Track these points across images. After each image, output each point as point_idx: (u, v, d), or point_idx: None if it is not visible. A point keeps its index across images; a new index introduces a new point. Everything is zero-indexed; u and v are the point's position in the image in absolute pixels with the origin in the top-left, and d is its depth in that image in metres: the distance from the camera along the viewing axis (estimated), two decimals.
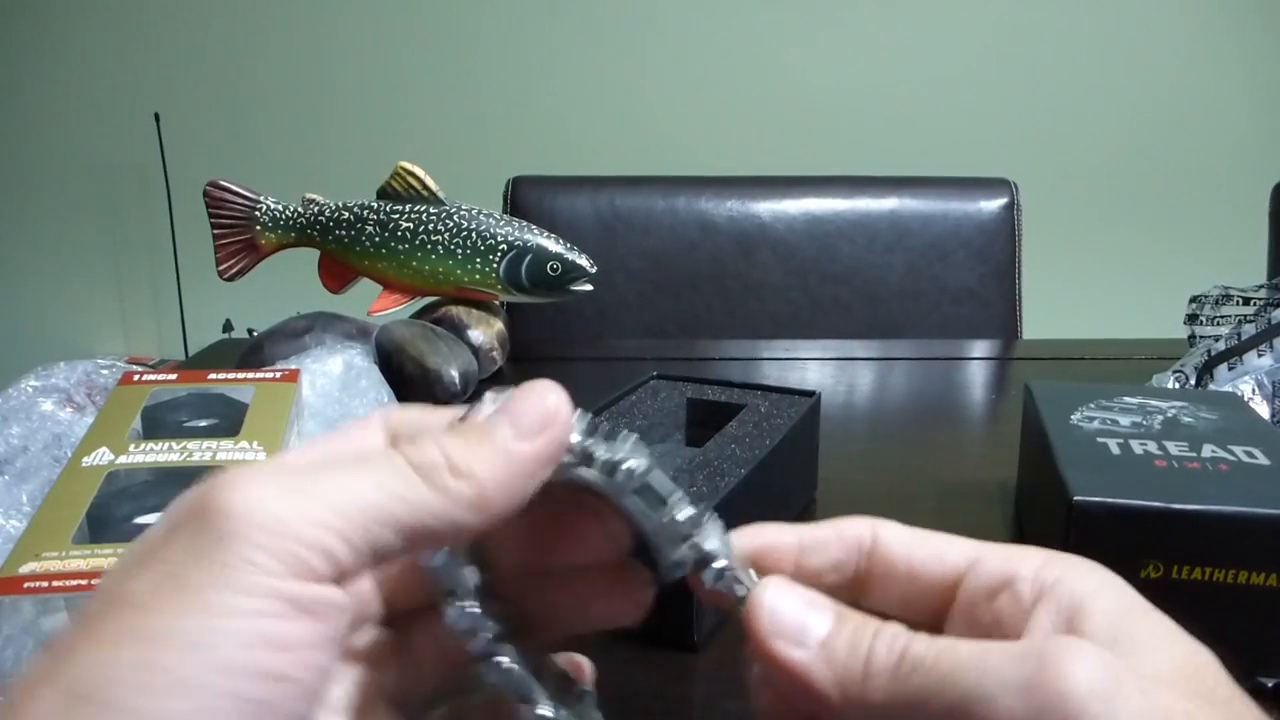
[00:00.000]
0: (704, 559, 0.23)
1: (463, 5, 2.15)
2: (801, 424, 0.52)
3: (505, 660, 0.23)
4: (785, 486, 0.53)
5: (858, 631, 0.22)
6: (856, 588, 0.25)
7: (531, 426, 0.22)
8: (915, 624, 0.23)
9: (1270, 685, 0.38)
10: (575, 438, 0.23)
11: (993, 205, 1.13)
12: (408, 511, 0.20)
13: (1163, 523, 0.38)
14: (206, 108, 2.23)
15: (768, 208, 1.13)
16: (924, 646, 0.21)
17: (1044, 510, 0.46)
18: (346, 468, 0.20)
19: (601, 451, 0.23)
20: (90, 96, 2.25)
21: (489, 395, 0.23)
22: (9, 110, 2.27)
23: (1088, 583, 0.22)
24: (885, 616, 0.23)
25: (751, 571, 0.24)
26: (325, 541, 0.19)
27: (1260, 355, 0.61)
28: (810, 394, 0.55)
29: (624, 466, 0.23)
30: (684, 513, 0.23)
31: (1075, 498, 0.39)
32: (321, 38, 2.19)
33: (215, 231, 0.80)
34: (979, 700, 0.19)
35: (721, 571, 0.23)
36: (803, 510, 0.55)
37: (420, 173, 0.77)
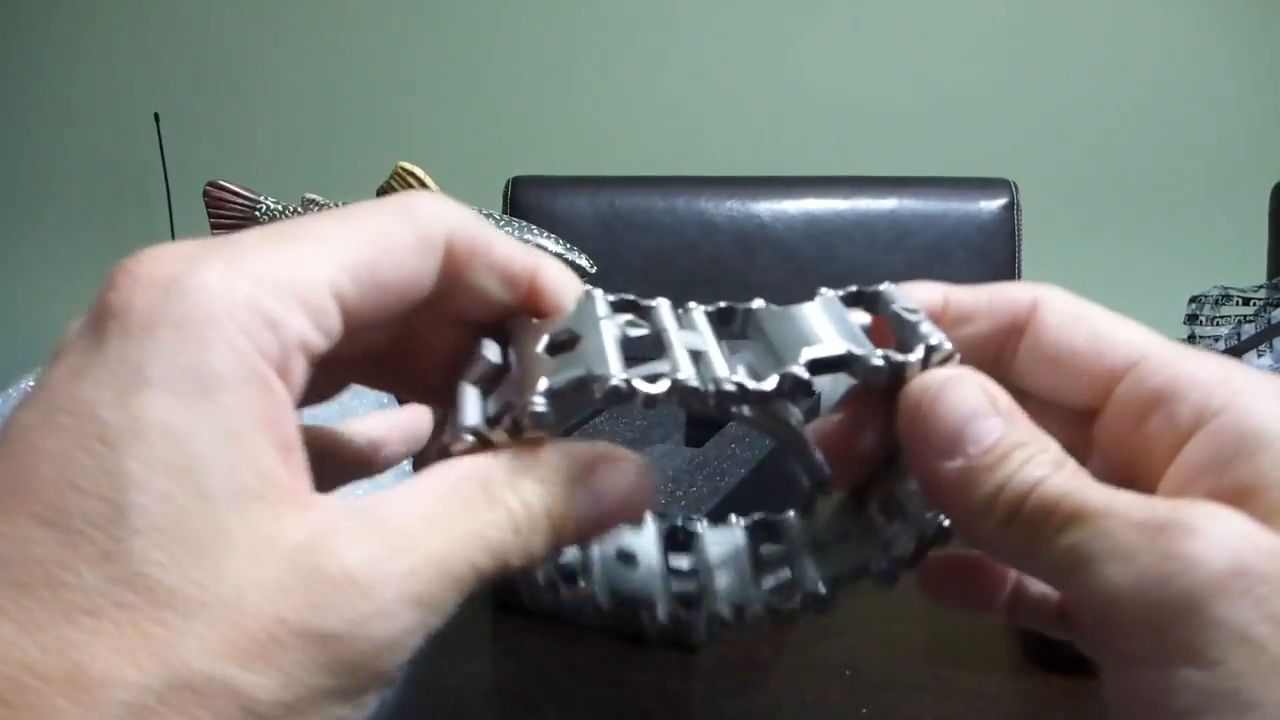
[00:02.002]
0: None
1: (463, 5, 2.15)
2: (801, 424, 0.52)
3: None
4: (785, 486, 0.53)
5: (1016, 451, 0.19)
6: (1002, 367, 0.22)
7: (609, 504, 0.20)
8: (1063, 417, 0.21)
9: None
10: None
11: (993, 205, 1.13)
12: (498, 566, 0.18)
13: None
14: (206, 108, 2.23)
15: (768, 208, 1.13)
16: (1062, 484, 0.18)
17: None
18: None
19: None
20: (90, 96, 2.25)
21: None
22: (9, 110, 2.27)
23: (1260, 411, 0.18)
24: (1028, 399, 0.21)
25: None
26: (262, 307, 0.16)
27: (1260, 355, 0.61)
28: (810, 394, 0.55)
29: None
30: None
31: None
32: (321, 38, 2.19)
33: (215, 231, 0.80)
34: (1088, 560, 0.17)
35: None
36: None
37: (420, 173, 0.77)
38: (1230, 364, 0.19)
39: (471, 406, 0.20)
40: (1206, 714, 0.16)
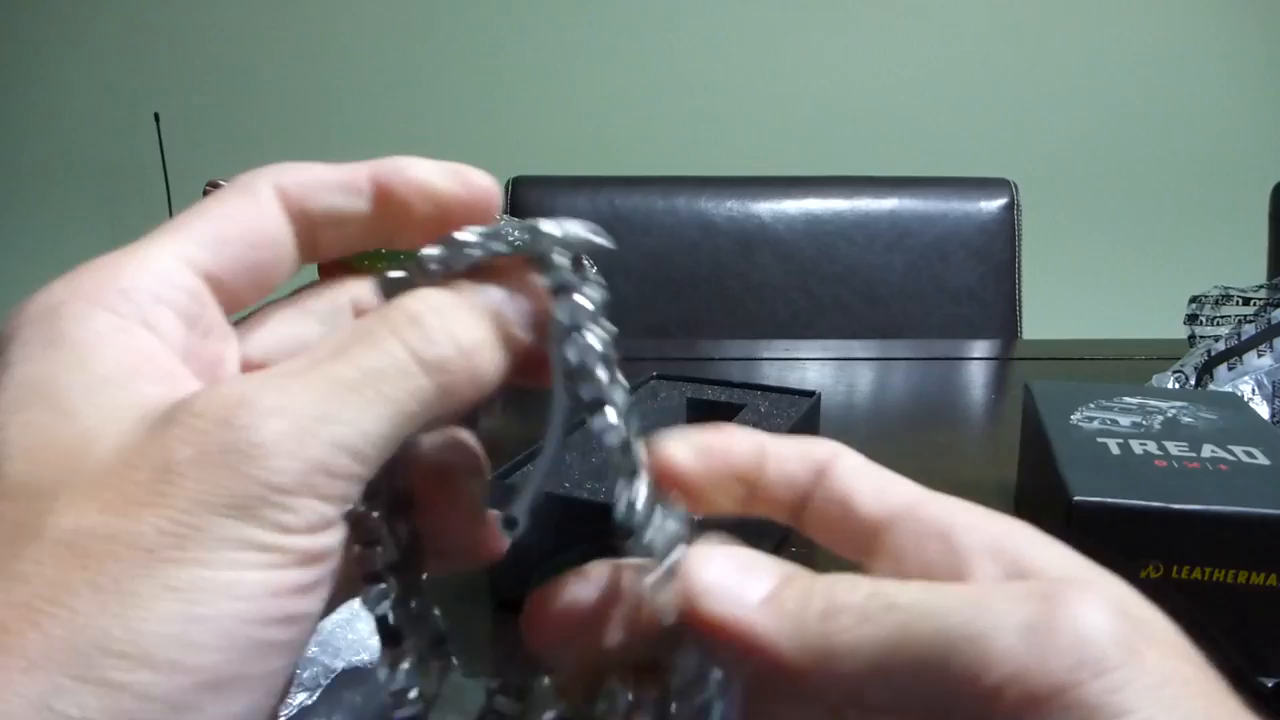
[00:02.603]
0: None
1: (463, 5, 2.15)
2: (801, 424, 0.52)
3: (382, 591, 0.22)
4: None
5: (810, 583, 0.19)
6: (797, 510, 0.23)
7: (525, 291, 0.21)
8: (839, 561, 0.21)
9: (1270, 685, 0.37)
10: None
11: (993, 205, 1.13)
12: (417, 425, 0.19)
13: (1163, 523, 0.38)
14: (206, 108, 2.23)
15: (768, 208, 1.13)
16: (896, 585, 0.18)
17: (1044, 510, 0.46)
18: (361, 389, 0.19)
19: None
20: (90, 96, 2.25)
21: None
22: (9, 110, 2.27)
23: (1031, 538, 0.20)
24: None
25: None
26: (345, 492, 0.18)
27: (1260, 355, 0.61)
28: (810, 394, 0.55)
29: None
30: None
31: (1075, 498, 0.39)
32: (322, 37, 2.19)
33: None
34: (973, 638, 0.17)
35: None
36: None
37: None
38: (990, 510, 0.21)
39: (432, 250, 0.22)
40: None
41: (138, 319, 0.19)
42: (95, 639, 0.16)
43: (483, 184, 0.24)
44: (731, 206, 1.13)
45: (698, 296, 1.12)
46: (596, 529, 0.21)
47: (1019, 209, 1.13)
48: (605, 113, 2.18)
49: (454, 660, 0.24)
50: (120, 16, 2.20)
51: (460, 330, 0.20)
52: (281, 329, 0.23)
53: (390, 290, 0.22)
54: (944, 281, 1.12)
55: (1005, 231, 1.12)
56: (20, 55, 2.24)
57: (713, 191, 1.14)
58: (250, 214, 0.22)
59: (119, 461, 0.17)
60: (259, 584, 0.17)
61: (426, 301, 0.20)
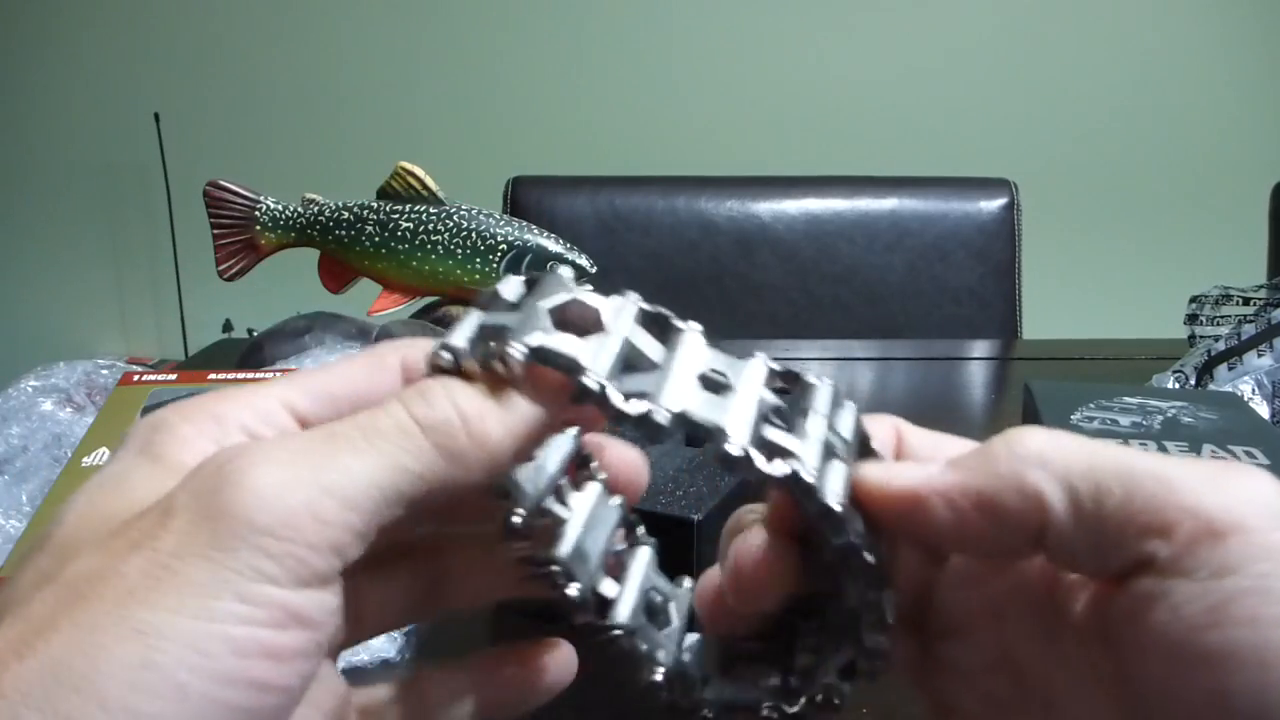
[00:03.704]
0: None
1: (463, 5, 2.15)
2: None
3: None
4: None
5: (978, 446, 0.20)
6: None
7: (554, 384, 0.20)
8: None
9: None
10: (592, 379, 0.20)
11: (993, 205, 1.13)
12: (418, 486, 0.19)
13: None
14: (206, 108, 2.23)
15: (768, 208, 1.13)
16: (1070, 436, 0.19)
17: None
18: (356, 441, 0.19)
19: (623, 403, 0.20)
20: (90, 96, 2.25)
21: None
22: (9, 110, 2.27)
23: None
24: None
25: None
26: (334, 541, 0.18)
27: (1260, 355, 0.61)
28: None
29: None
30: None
31: None
32: (322, 38, 2.19)
33: (215, 231, 0.80)
34: (1159, 477, 0.18)
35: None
36: None
37: (420, 173, 0.77)
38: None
39: (465, 329, 0.21)
40: None
41: (219, 440, 0.21)
42: (59, 673, 0.16)
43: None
44: (731, 206, 1.13)
45: (698, 296, 1.12)
46: (673, 539, 0.21)
47: (1019, 209, 1.13)
48: (605, 113, 2.18)
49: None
50: (120, 16, 2.20)
51: (463, 399, 0.20)
52: None
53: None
54: (944, 281, 1.12)
55: (1005, 231, 1.12)
56: (20, 55, 2.24)
57: (713, 191, 1.14)
58: (366, 377, 0.23)
59: (135, 515, 0.18)
60: (224, 638, 0.17)
61: (440, 380, 0.20)
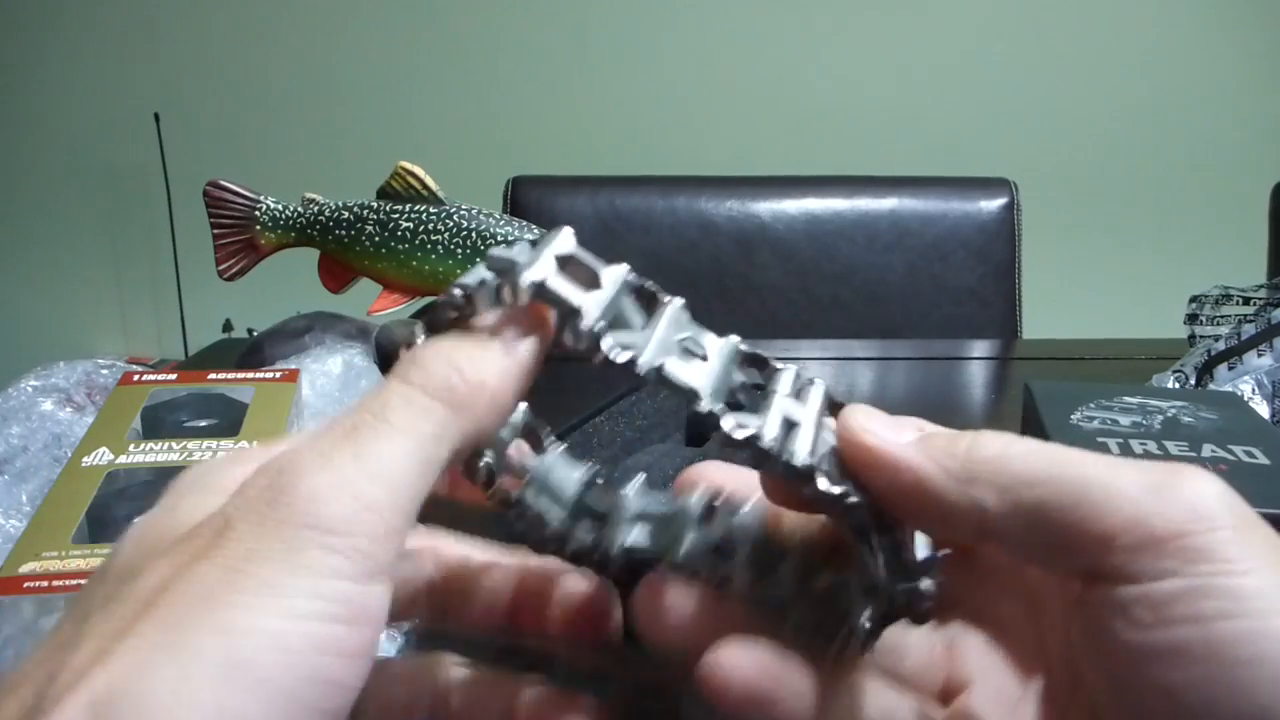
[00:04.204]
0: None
1: (463, 5, 2.15)
2: None
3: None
4: None
5: (954, 434, 0.21)
6: None
7: (532, 323, 0.22)
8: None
9: None
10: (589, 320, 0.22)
11: (993, 205, 1.13)
12: (442, 448, 0.20)
13: None
14: (206, 108, 2.23)
15: (768, 208, 1.13)
16: (1034, 442, 0.20)
17: None
18: (376, 426, 0.19)
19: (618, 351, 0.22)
20: (90, 96, 2.25)
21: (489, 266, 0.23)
22: (9, 110, 2.27)
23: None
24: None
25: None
26: (390, 527, 0.18)
27: (1260, 355, 0.61)
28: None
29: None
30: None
31: None
32: (322, 38, 2.19)
33: (215, 231, 0.80)
34: (1104, 486, 0.19)
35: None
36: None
37: (420, 173, 0.77)
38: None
39: (476, 274, 0.23)
40: (1240, 618, 0.17)
41: None
42: (145, 675, 0.16)
43: None
44: (731, 206, 1.13)
45: (698, 296, 1.11)
46: None
47: (1019, 209, 1.13)
48: (605, 113, 2.18)
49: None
50: (120, 16, 2.20)
51: (455, 354, 0.21)
52: None
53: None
54: (944, 281, 1.12)
55: (1005, 231, 1.12)
56: (20, 55, 2.24)
57: (713, 191, 1.14)
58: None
59: (190, 530, 0.19)
60: (306, 635, 0.17)
61: (429, 344, 0.21)
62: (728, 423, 0.21)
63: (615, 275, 0.24)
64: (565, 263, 0.23)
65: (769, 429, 0.21)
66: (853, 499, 0.21)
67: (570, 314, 0.22)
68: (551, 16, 2.15)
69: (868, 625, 0.22)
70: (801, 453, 0.21)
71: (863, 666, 0.23)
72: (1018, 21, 2.09)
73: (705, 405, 0.22)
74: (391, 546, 0.19)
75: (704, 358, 0.23)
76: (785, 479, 0.21)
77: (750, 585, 0.23)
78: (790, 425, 0.22)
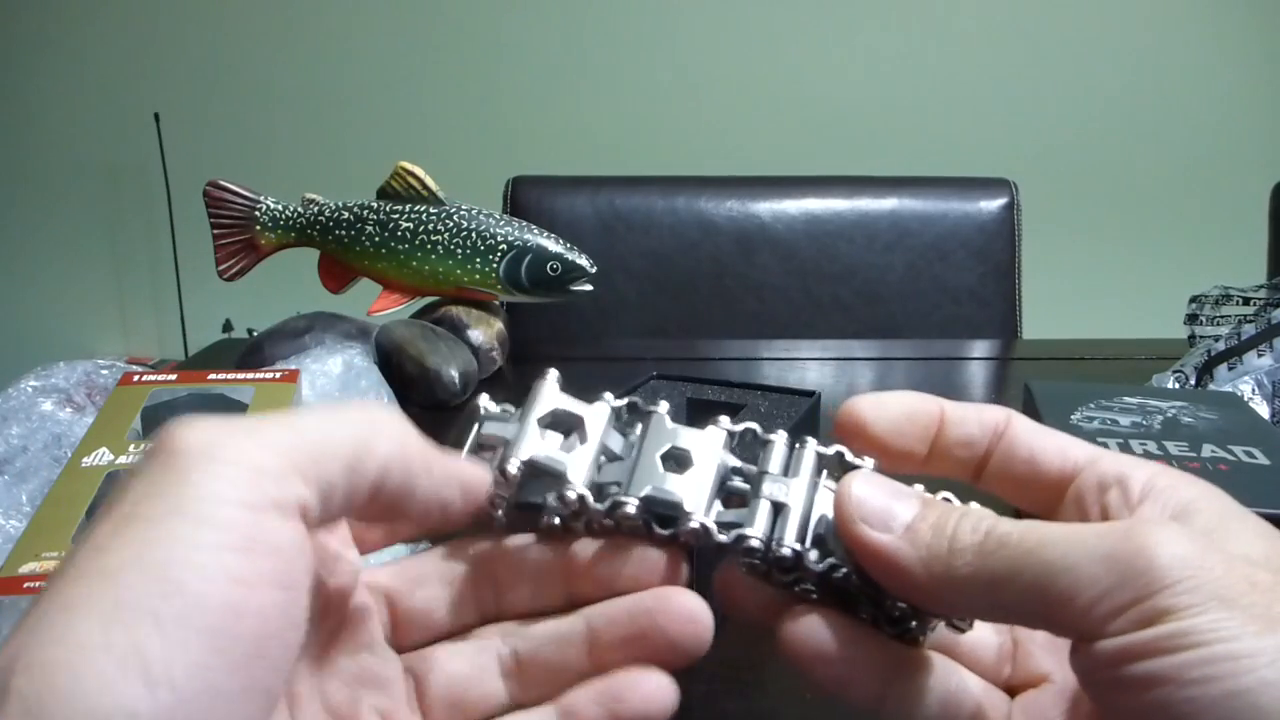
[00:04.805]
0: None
1: (463, 6, 2.15)
2: (801, 424, 0.52)
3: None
4: None
5: (943, 515, 0.23)
6: (979, 469, 0.26)
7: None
8: (1027, 515, 0.24)
9: None
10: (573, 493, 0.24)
11: (993, 205, 1.13)
12: (362, 449, 0.21)
13: None
14: (206, 108, 2.23)
15: (768, 208, 1.13)
16: (1010, 525, 0.21)
17: None
18: (324, 412, 0.21)
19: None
20: (90, 96, 2.25)
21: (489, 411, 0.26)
22: (9, 110, 2.27)
23: (1195, 489, 0.23)
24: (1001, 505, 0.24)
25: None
26: (283, 469, 0.19)
27: (1260, 355, 0.61)
28: (810, 394, 0.55)
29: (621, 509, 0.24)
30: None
31: None
32: (322, 38, 2.19)
33: (215, 231, 0.80)
34: (1063, 571, 0.20)
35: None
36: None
37: (420, 173, 0.77)
38: (1162, 465, 0.24)
39: (469, 444, 0.26)
40: (1199, 667, 0.18)
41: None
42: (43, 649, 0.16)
43: None
44: (731, 206, 1.13)
45: (698, 296, 1.12)
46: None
47: (1019, 209, 1.13)
48: (605, 113, 2.18)
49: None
50: (120, 16, 2.20)
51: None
52: None
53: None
54: (944, 281, 1.12)
55: (1005, 231, 1.12)
56: (20, 55, 2.24)
57: (713, 191, 1.14)
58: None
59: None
60: (196, 567, 0.17)
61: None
62: (720, 535, 0.23)
63: (598, 418, 0.25)
64: (550, 420, 0.25)
65: (758, 524, 0.23)
66: (839, 573, 0.23)
67: (560, 483, 0.24)
68: (551, 16, 2.15)
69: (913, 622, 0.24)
70: (790, 538, 0.23)
71: (929, 647, 0.25)
72: (1018, 22, 2.09)
73: (695, 521, 0.23)
74: (292, 485, 0.19)
75: (690, 462, 0.24)
76: (774, 570, 0.23)
77: (819, 576, 0.24)
78: (778, 509, 0.24)
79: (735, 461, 0.25)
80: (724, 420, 0.25)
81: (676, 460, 0.24)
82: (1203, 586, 0.19)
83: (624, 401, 0.26)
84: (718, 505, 0.24)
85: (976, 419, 0.26)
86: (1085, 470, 0.24)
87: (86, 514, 0.39)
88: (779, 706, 0.37)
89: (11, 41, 2.23)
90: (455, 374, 0.70)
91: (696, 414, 0.56)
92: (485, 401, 0.26)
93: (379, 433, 0.22)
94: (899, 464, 0.26)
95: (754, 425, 0.25)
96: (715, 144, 2.16)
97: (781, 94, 2.16)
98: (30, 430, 0.50)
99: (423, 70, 2.19)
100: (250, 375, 0.54)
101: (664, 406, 0.26)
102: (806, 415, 0.53)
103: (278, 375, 0.54)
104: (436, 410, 0.70)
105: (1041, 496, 0.25)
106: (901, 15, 2.10)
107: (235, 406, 0.51)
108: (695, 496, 0.24)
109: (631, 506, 0.23)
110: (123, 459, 0.44)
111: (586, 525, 0.24)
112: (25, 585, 0.34)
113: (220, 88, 2.23)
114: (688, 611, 0.23)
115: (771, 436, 0.25)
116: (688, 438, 0.25)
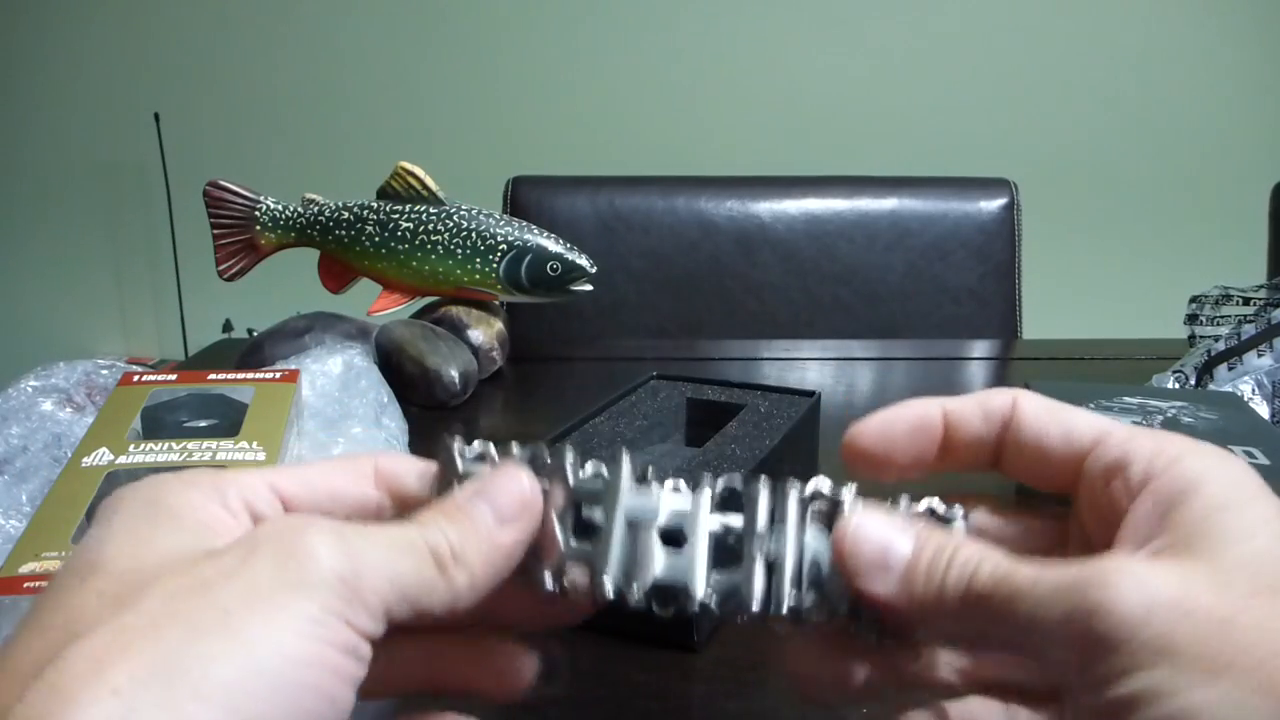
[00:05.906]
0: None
1: (463, 6, 2.16)
2: (801, 424, 0.52)
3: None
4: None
5: (934, 559, 0.23)
6: (994, 458, 0.26)
7: (510, 513, 0.24)
8: (1047, 496, 0.25)
9: None
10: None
11: (993, 205, 1.13)
12: (424, 594, 0.23)
13: None
14: (206, 108, 2.23)
15: (768, 208, 1.13)
16: (988, 572, 0.22)
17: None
18: (392, 539, 0.23)
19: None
20: (90, 96, 2.25)
21: (463, 451, 0.26)
22: (9, 110, 2.27)
23: (1196, 468, 0.22)
24: (1021, 488, 0.25)
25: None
26: (376, 605, 0.21)
27: (1260, 355, 0.61)
28: (810, 394, 0.55)
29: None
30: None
31: None
32: (322, 38, 2.19)
33: (215, 231, 0.80)
34: (1029, 630, 0.21)
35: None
36: None
37: (420, 173, 0.77)
38: (1171, 435, 0.23)
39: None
40: None
41: (219, 502, 0.24)
42: (170, 671, 0.18)
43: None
44: (731, 206, 1.13)
45: (698, 296, 1.12)
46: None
47: (1019, 209, 1.13)
48: (605, 113, 2.18)
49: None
50: (120, 16, 2.20)
51: (452, 533, 0.24)
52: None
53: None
54: (944, 281, 1.12)
55: (1005, 231, 1.12)
56: (20, 55, 2.24)
57: (713, 191, 1.14)
58: (343, 476, 0.26)
59: (210, 553, 0.21)
60: (316, 656, 0.20)
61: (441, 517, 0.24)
62: (720, 609, 0.24)
63: (700, 507, 0.25)
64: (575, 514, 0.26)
65: (755, 590, 0.24)
66: (840, 613, 0.24)
67: (684, 595, 0.24)
68: (551, 17, 2.15)
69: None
70: (787, 595, 0.24)
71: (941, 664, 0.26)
72: (1018, 22, 2.09)
73: (698, 601, 0.24)
74: (375, 621, 0.21)
75: (684, 535, 0.25)
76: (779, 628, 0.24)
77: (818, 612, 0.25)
78: (771, 569, 0.24)
79: (722, 521, 0.25)
80: (707, 479, 0.25)
81: (673, 540, 0.25)
82: (1152, 640, 0.19)
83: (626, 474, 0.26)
84: (714, 574, 0.25)
85: (981, 412, 0.26)
86: (1092, 454, 0.24)
87: (86, 514, 0.39)
88: (779, 706, 0.37)
89: (11, 41, 2.23)
90: (455, 374, 0.70)
91: (696, 414, 0.56)
92: (459, 445, 0.26)
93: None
94: (912, 474, 0.27)
95: (735, 484, 0.25)
96: (715, 144, 2.16)
97: (782, 94, 2.16)
98: (30, 430, 0.50)
99: (422, 70, 2.19)
100: (250, 375, 0.54)
101: (627, 469, 0.26)
102: (807, 415, 0.53)
103: (278, 375, 0.54)
104: (436, 410, 0.70)
105: (1058, 478, 0.25)
106: (902, 15, 2.10)
107: (235, 407, 0.51)
108: (697, 575, 0.24)
109: (639, 594, 0.24)
110: (123, 459, 0.44)
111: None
112: (25, 585, 0.34)
113: (220, 88, 2.23)
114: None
115: (756, 489, 0.25)
116: (680, 508, 0.25)
